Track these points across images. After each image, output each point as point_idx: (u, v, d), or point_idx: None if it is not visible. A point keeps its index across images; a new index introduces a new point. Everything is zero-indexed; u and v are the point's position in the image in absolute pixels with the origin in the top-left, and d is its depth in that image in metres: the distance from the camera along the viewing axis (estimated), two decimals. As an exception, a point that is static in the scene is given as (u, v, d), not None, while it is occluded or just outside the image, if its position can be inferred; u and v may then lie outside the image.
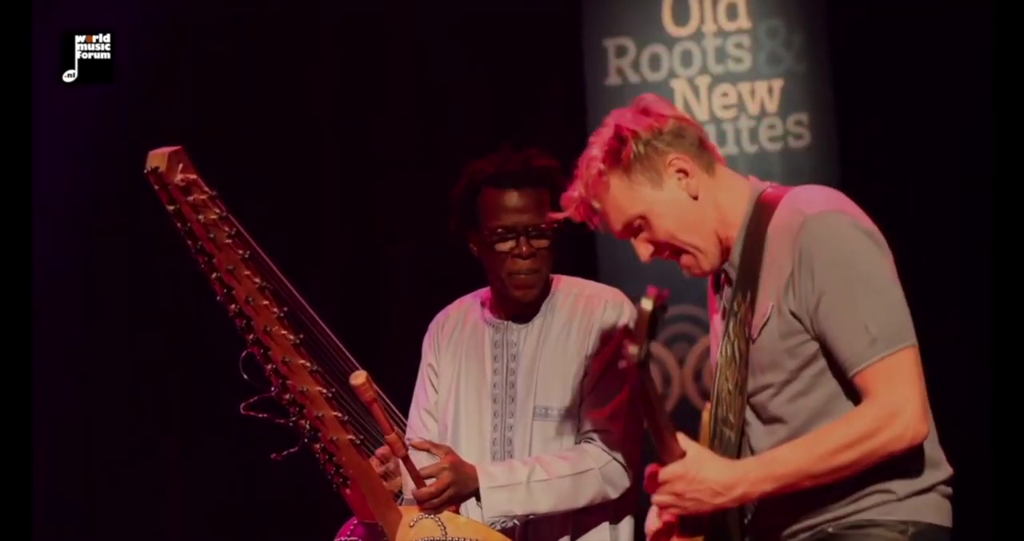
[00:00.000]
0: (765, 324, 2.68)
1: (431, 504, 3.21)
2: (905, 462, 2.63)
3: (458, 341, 3.61)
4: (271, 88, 5.93)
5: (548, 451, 3.46)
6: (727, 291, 2.81)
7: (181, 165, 2.69)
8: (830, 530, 2.67)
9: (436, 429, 3.59)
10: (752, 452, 2.75)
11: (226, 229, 2.75)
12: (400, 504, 3.28)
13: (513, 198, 3.43)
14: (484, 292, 3.65)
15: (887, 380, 2.57)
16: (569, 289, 3.57)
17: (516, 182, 3.42)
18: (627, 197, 2.77)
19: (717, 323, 2.87)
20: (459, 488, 3.27)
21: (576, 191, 2.83)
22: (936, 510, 2.68)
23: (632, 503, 3.50)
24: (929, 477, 2.68)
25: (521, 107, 5.64)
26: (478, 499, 3.33)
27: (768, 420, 2.73)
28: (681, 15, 5.75)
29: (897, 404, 2.56)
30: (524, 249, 3.42)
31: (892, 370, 2.58)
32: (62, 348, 5.75)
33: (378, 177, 5.84)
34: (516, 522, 3.38)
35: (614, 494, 3.42)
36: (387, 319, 5.72)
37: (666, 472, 2.62)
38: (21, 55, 4.33)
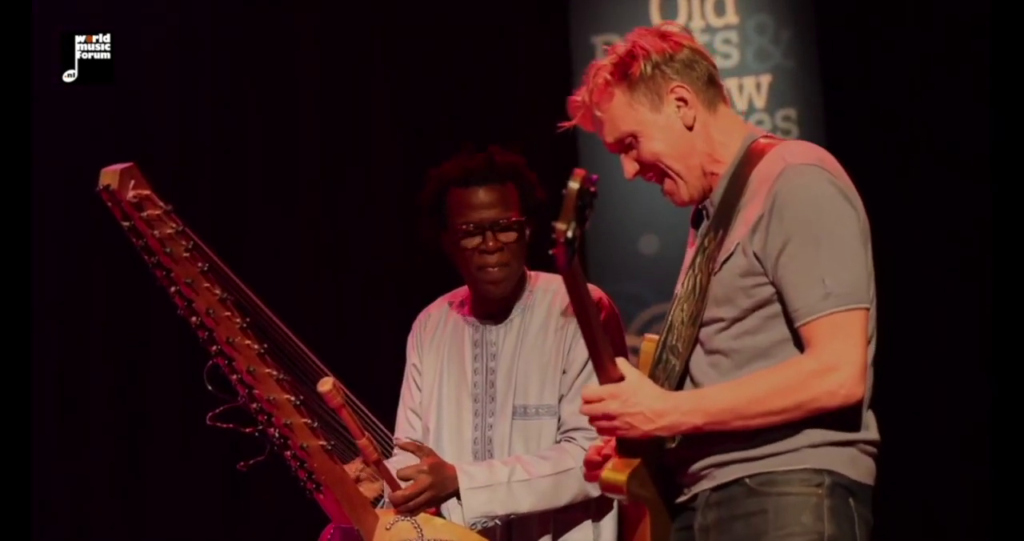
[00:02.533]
0: (728, 259, 2.70)
1: (407, 507, 3.22)
2: (828, 416, 2.62)
3: (440, 340, 3.63)
4: (262, 89, 5.95)
5: (528, 450, 3.47)
6: (703, 227, 2.83)
7: (133, 181, 2.71)
8: (748, 483, 2.68)
9: (421, 428, 3.60)
10: (692, 380, 2.77)
11: (183, 243, 2.77)
12: (382, 508, 3.30)
13: (478, 195, 3.47)
14: (464, 291, 3.66)
15: (832, 335, 2.57)
16: (547, 287, 3.58)
17: (480, 179, 3.47)
18: (624, 113, 2.80)
19: (688, 257, 2.88)
20: (437, 490, 3.29)
21: (581, 96, 2.86)
22: (852, 463, 2.67)
23: (613, 501, 3.52)
24: (850, 434, 2.66)
25: (510, 105, 5.64)
26: (459, 499, 3.35)
27: (711, 352, 2.74)
28: (669, 11, 5.75)
29: (837, 360, 2.57)
30: (491, 244, 3.46)
31: (839, 326, 2.58)
32: (59, 348, 5.79)
33: (359, 177, 5.85)
34: (498, 522, 3.40)
35: (595, 492, 3.40)
36: (369, 321, 5.73)
37: (601, 389, 2.67)
38: (21, 55, 4.37)
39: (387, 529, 3.19)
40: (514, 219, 3.47)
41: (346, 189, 5.87)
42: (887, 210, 5.37)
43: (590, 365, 3.46)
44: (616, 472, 2.75)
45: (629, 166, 2.85)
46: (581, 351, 3.48)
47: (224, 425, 2.94)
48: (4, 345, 3.90)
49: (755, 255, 2.66)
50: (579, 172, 2.45)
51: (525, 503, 3.39)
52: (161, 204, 2.74)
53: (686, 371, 2.79)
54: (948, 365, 5.35)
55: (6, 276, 3.99)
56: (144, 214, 2.72)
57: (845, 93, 5.48)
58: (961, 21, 5.19)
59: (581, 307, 2.62)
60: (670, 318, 2.84)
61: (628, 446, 2.76)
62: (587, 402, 2.71)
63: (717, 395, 2.65)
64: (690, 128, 2.80)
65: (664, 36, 2.81)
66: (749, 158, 2.77)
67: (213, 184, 5.76)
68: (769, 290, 2.66)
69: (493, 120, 5.57)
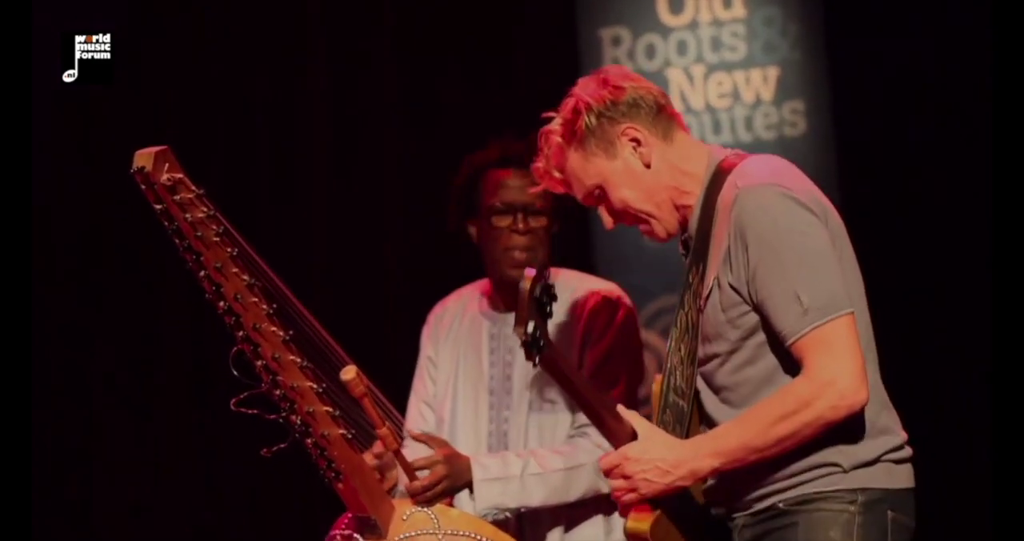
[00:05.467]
0: (708, 296, 2.72)
1: (424, 497, 3.23)
2: (848, 433, 2.65)
3: (456, 333, 3.65)
4: (266, 85, 5.93)
5: (543, 444, 3.50)
6: (687, 261, 2.86)
7: (167, 165, 2.71)
8: (781, 506, 2.69)
9: (434, 420, 3.62)
10: (707, 420, 2.79)
11: (213, 227, 2.78)
12: (395, 498, 3.29)
13: (515, 178, 3.51)
14: (483, 284, 3.68)
15: (820, 350, 2.59)
16: (567, 283, 3.59)
17: (519, 163, 3.48)
18: (583, 168, 2.85)
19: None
20: (452, 481, 3.31)
21: (540, 163, 2.93)
22: (887, 476, 2.69)
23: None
24: (875, 447, 2.69)
25: (516, 98, 5.63)
26: (471, 491, 3.36)
27: (717, 389, 2.76)
28: (676, 4, 5.73)
29: (831, 374, 2.58)
30: (521, 225, 3.49)
31: (826, 340, 2.59)
32: (60, 346, 5.77)
33: (370, 170, 5.85)
34: (508, 515, 3.42)
35: (606, 489, 3.43)
36: (384, 313, 5.72)
37: (613, 455, 2.71)
38: (21, 55, 4.34)
39: (404, 519, 3.17)
40: (547, 206, 3.47)
41: (358, 180, 5.86)
42: (894, 202, 5.40)
43: (604, 361, 3.49)
44: (639, 522, 2.80)
45: (606, 217, 2.90)
46: (597, 350, 3.50)
47: (249, 411, 2.93)
48: (4, 347, 3.88)
49: (731, 286, 2.68)
50: (528, 273, 2.58)
51: (537, 497, 3.42)
52: (193, 188, 2.75)
53: (693, 411, 2.81)
54: (947, 364, 5.35)
55: (6, 277, 3.97)
56: (177, 197, 2.73)
57: (853, 85, 5.48)
58: (969, 12, 5.20)
59: (571, 388, 2.71)
60: (669, 360, 2.87)
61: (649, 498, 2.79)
62: (605, 473, 2.76)
63: (727, 434, 2.67)
64: (649, 166, 2.83)
65: (604, 83, 2.86)
66: (716, 181, 2.79)
67: (216, 183, 5.73)
68: (754, 318, 2.69)
69: (497, 115, 5.56)
